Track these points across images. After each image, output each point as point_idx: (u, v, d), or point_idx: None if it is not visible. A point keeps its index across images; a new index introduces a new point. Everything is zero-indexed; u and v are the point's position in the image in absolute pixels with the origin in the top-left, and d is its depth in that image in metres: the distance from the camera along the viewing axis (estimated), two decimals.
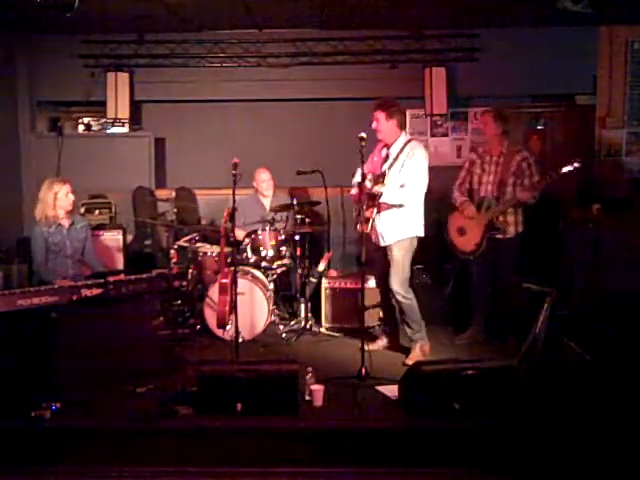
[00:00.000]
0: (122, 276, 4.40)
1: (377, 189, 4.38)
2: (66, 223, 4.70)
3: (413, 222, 4.48)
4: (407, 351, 4.64)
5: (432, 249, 5.07)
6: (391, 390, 3.90)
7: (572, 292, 5.21)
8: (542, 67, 6.51)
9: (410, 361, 4.38)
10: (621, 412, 3.51)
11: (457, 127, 7.03)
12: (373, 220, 4.44)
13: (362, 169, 4.23)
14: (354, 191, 4.66)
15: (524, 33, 6.49)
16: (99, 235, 5.86)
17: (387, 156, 4.50)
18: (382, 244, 4.51)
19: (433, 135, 7.08)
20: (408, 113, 7.03)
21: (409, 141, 4.49)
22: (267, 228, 5.36)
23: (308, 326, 5.38)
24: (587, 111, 6.82)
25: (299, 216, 5.44)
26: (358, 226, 4.56)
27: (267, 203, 5.83)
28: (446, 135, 7.08)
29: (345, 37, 6.62)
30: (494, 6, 5.73)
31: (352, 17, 6.11)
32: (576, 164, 4.48)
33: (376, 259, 4.66)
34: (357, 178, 4.53)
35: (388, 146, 4.50)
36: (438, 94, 6.56)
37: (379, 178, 4.44)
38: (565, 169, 4.52)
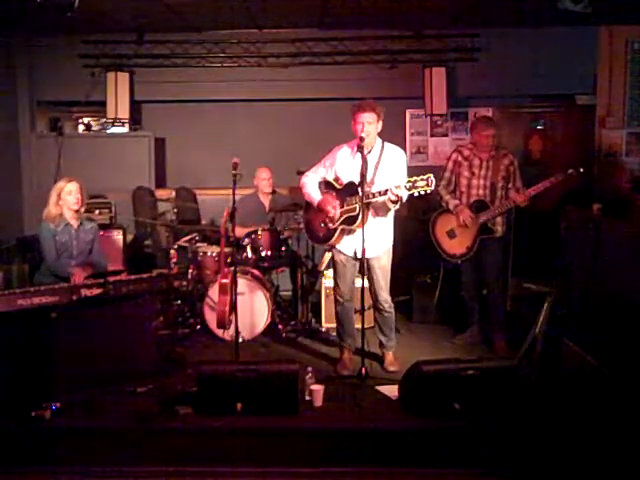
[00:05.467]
0: (122, 276, 4.40)
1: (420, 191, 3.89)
2: (75, 224, 4.64)
3: (393, 228, 4.40)
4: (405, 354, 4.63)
5: (430, 249, 5.05)
6: (391, 390, 3.91)
7: (572, 292, 5.21)
8: (542, 67, 6.52)
9: (393, 367, 4.39)
10: (621, 411, 3.51)
11: (457, 127, 7.03)
12: (350, 231, 4.21)
13: (362, 175, 4.03)
14: (316, 196, 4.37)
15: (524, 33, 6.49)
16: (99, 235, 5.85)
17: (364, 160, 4.06)
18: (367, 255, 4.13)
19: (433, 135, 7.07)
20: (408, 113, 7.05)
21: (383, 142, 4.28)
22: (267, 228, 5.36)
23: (308, 326, 5.39)
24: (587, 111, 6.82)
25: (299, 216, 5.43)
26: (321, 234, 4.36)
27: (266, 203, 5.83)
28: (446, 135, 7.07)
29: (345, 37, 6.62)
30: (494, 6, 5.73)
31: (352, 17, 6.11)
32: (572, 170, 4.49)
33: (348, 271, 4.39)
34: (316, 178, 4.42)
35: (361, 150, 4.08)
36: (438, 94, 6.56)
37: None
38: (561, 176, 4.53)
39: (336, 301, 4.49)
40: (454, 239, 4.90)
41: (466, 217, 4.78)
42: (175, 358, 4.56)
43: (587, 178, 6.52)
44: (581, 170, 4.49)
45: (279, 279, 5.84)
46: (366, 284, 4.29)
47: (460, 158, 4.91)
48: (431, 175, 3.88)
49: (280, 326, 5.29)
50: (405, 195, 3.96)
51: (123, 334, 4.14)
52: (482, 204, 4.78)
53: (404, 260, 5.47)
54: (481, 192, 4.82)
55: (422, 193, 3.92)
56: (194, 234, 5.60)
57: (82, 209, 4.68)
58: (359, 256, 4.19)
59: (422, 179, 3.87)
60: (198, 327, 5.24)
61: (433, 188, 3.92)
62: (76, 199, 4.58)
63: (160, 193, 6.63)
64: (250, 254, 5.25)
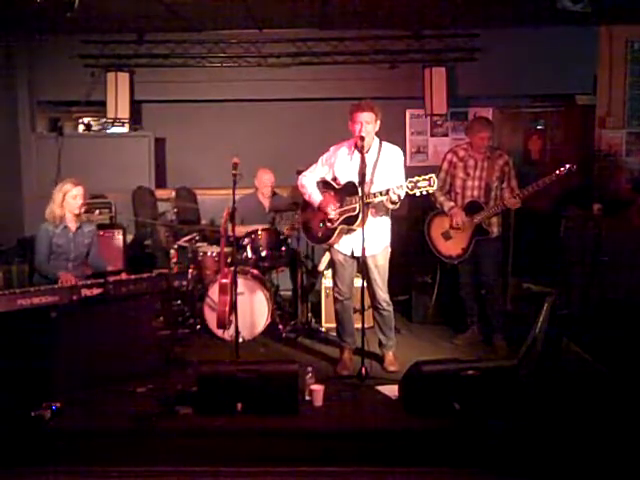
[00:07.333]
0: (122, 276, 4.40)
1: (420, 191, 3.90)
2: (73, 227, 4.64)
3: (390, 227, 4.39)
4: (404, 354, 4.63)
5: (429, 249, 5.06)
6: (391, 390, 3.90)
7: (572, 292, 5.21)
8: (542, 67, 6.52)
9: (393, 367, 4.38)
10: (621, 411, 3.51)
11: (457, 127, 7.03)
12: (349, 230, 4.22)
13: (362, 175, 4.00)
14: (317, 197, 4.35)
15: (524, 33, 6.49)
16: (99, 235, 5.85)
17: (362, 160, 4.02)
18: (365, 254, 4.08)
19: (433, 135, 7.08)
20: (408, 113, 7.06)
21: (380, 142, 4.26)
22: (267, 228, 5.36)
23: (308, 326, 5.39)
24: (587, 111, 6.83)
25: (299, 216, 5.43)
26: (319, 234, 4.37)
27: (266, 203, 5.83)
28: (446, 135, 7.08)
29: (345, 37, 6.62)
30: (494, 6, 5.73)
31: (352, 17, 6.11)
32: (562, 170, 4.48)
33: (346, 270, 4.37)
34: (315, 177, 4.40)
35: (359, 149, 4.08)
36: (438, 94, 6.56)
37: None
38: (553, 177, 4.51)
39: (335, 299, 4.49)
40: (449, 240, 4.90)
41: (459, 220, 4.78)
42: (175, 358, 4.56)
43: (587, 178, 6.55)
44: (573, 167, 4.46)
45: (279, 279, 5.84)
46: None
47: (455, 159, 4.90)
48: (433, 175, 3.90)
49: (280, 326, 5.28)
50: (403, 194, 3.97)
51: (123, 334, 4.14)
52: (476, 205, 4.78)
53: (404, 260, 5.47)
54: (476, 193, 4.81)
55: (424, 193, 3.93)
56: (194, 234, 5.60)
57: (82, 210, 4.70)
58: (356, 255, 4.22)
59: (424, 179, 3.88)
60: (198, 327, 5.24)
61: (435, 188, 3.93)
62: (79, 204, 4.61)
63: (160, 193, 6.64)
64: (250, 254, 5.25)
